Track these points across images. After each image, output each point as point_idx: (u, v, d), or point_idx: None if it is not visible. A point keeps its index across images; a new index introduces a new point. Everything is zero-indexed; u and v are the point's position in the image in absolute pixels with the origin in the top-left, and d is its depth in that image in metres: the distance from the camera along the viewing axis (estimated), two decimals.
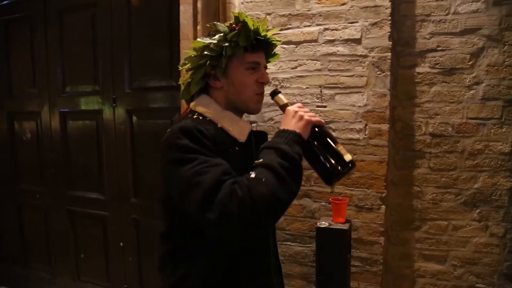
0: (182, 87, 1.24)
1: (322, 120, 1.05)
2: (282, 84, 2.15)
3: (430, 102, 2.00)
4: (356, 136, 2.02)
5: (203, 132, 1.03)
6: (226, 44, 1.12)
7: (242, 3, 2.19)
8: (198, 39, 1.19)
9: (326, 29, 2.04)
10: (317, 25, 2.06)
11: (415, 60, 2.01)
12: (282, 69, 2.14)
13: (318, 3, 2.05)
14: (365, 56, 1.98)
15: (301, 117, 1.03)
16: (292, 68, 2.12)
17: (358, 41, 1.99)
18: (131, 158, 2.73)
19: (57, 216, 3.07)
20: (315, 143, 1.03)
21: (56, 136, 3.00)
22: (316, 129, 1.04)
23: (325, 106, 2.07)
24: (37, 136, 3.12)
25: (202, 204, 0.92)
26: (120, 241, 2.82)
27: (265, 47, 1.19)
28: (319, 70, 2.07)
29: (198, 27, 2.19)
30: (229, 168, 0.99)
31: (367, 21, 1.96)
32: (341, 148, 1.03)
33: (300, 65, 2.11)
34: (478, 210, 1.97)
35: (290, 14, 2.10)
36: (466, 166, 1.97)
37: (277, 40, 1.24)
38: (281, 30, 2.11)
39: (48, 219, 3.15)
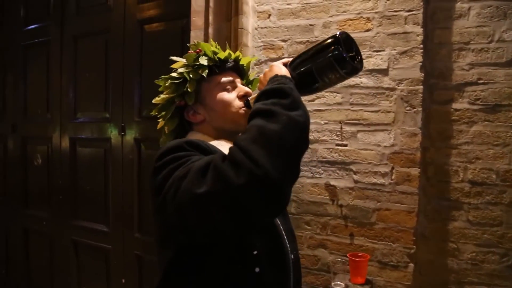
0: (162, 136, 1.17)
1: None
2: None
3: (469, 144, 1.71)
4: (381, 181, 1.75)
5: (199, 144, 0.90)
6: (189, 69, 1.08)
7: (256, 28, 2.00)
8: (163, 76, 1.14)
9: None
10: None
11: (452, 94, 1.74)
12: None
13: (339, 29, 1.82)
14: (393, 89, 1.73)
15: (270, 68, 0.94)
16: (309, 101, 1.90)
17: (384, 72, 1.74)
18: (137, 190, 2.57)
19: (62, 245, 2.94)
20: (299, 67, 0.93)
21: (65, 162, 2.91)
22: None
23: (345, 145, 1.82)
24: (47, 162, 3.05)
25: (194, 182, 0.72)
26: (122, 277, 2.64)
27: (234, 68, 1.13)
28: (339, 103, 1.83)
29: None
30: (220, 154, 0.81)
31: (395, 50, 1.72)
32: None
33: (318, 97, 1.88)
34: None
35: (308, 41, 1.89)
36: None
37: (242, 58, 1.17)
38: None
39: (53, 247, 3.02)
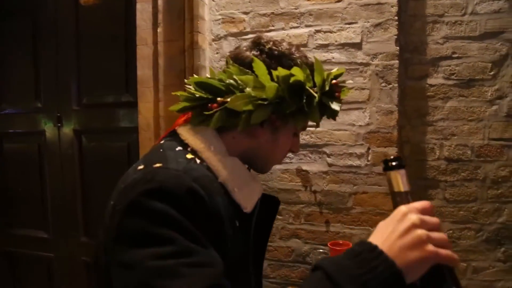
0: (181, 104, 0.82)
1: (456, 257, 0.55)
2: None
3: (445, 120, 1.65)
4: (357, 162, 1.64)
5: (202, 199, 0.64)
6: (314, 101, 0.79)
7: (213, 0, 1.78)
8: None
9: (318, 31, 1.67)
10: (307, 26, 1.68)
11: (427, 69, 1.66)
12: None
13: (308, 0, 1.67)
14: (367, 64, 1.61)
15: (419, 242, 0.52)
16: None
17: (358, 46, 1.62)
18: (80, 189, 2.27)
19: None
20: None
21: None
22: (439, 271, 0.55)
23: (317, 126, 1.68)
24: None
25: None
26: None
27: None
28: None
29: (159, 30, 1.78)
30: (221, 273, 0.59)
31: (368, 22, 1.60)
32: None
33: None
34: (503, 249, 1.63)
35: (272, 13, 1.72)
36: (489, 197, 1.63)
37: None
38: (261, 32, 1.72)
39: None
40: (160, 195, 0.61)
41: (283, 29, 1.71)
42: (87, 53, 2.17)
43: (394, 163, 0.62)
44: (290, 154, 1.70)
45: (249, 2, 1.74)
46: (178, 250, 0.56)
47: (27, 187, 2.40)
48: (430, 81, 1.65)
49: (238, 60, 0.81)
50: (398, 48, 1.58)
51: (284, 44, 0.83)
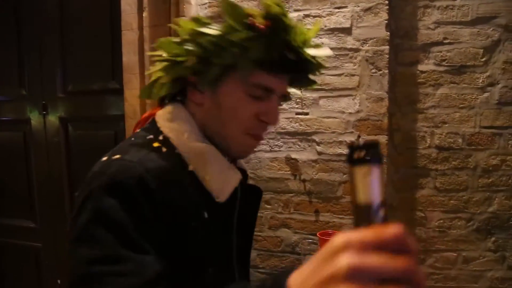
0: (148, 81, 0.82)
1: None
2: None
3: (435, 108, 1.62)
4: (347, 150, 1.60)
5: (151, 191, 0.62)
6: (233, 48, 0.67)
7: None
8: (187, 18, 0.79)
9: (306, 15, 1.62)
10: (296, 10, 1.63)
11: (417, 55, 1.62)
12: None
13: None
14: (357, 50, 1.57)
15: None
16: None
17: (347, 31, 1.58)
18: (67, 177, 2.23)
19: None
20: None
21: None
22: None
23: (306, 114, 1.65)
24: None
25: None
26: (57, 278, 2.31)
27: (296, 68, 0.75)
28: None
29: (144, 14, 1.73)
30: (149, 282, 0.56)
31: (358, 6, 1.56)
32: None
33: None
34: (493, 239, 1.61)
35: None
36: (479, 186, 1.60)
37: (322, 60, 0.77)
38: None
39: None
40: (109, 190, 0.60)
41: None
42: (72, 39, 2.11)
43: (363, 153, 0.38)
44: (278, 142, 1.67)
45: None
46: (107, 255, 0.56)
47: (13, 177, 2.36)
48: (421, 67, 1.62)
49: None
50: (388, 33, 1.53)
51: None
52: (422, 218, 1.66)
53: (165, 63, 0.74)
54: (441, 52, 1.59)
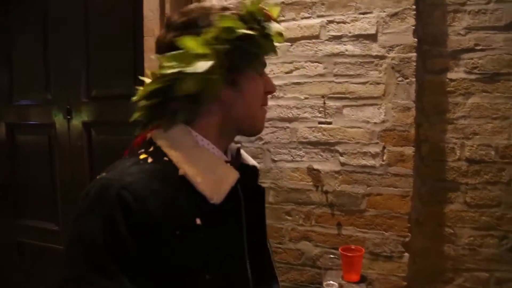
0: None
1: None
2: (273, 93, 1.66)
3: (466, 118, 1.53)
4: (371, 162, 1.54)
5: (127, 207, 0.62)
6: (255, 38, 0.74)
7: None
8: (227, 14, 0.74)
9: (330, 21, 1.57)
10: (319, 16, 1.58)
11: (447, 62, 1.54)
12: (274, 73, 1.66)
13: None
14: (383, 57, 1.51)
15: None
16: (286, 73, 1.65)
17: (373, 38, 1.52)
18: (90, 182, 2.22)
19: (5, 248, 2.58)
20: None
21: (3, 153, 2.51)
22: None
23: (329, 123, 1.60)
24: None
25: None
26: None
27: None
28: (321, 75, 1.60)
29: None
30: None
31: (384, 11, 1.49)
32: None
33: (296, 68, 1.63)
34: None
35: (283, 2, 1.63)
36: None
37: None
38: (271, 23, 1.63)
39: None
40: (90, 211, 0.64)
41: (294, 19, 1.62)
42: (96, 45, 2.14)
43: None
44: (300, 152, 1.62)
45: None
46: (79, 276, 0.60)
47: (37, 179, 2.41)
48: (451, 75, 1.54)
49: (162, 48, 0.76)
50: (416, 39, 1.47)
51: (193, 7, 0.77)
52: (451, 235, 1.58)
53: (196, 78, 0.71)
54: (472, 59, 1.51)
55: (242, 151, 0.89)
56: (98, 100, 2.17)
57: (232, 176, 0.74)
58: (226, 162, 0.77)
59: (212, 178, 0.71)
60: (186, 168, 0.70)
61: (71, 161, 2.27)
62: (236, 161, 0.84)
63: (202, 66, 0.69)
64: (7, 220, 2.53)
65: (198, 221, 0.68)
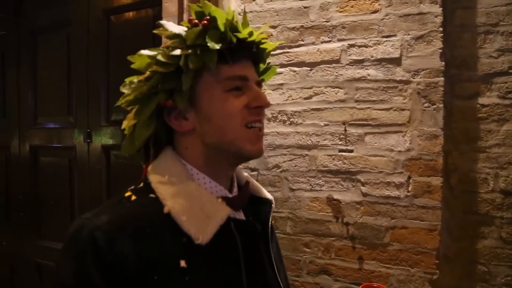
0: (126, 141, 0.77)
1: None
2: (291, 119, 1.61)
3: (500, 146, 1.42)
4: (395, 193, 1.45)
5: (99, 250, 0.60)
6: (188, 51, 0.69)
7: (239, 14, 1.68)
8: (142, 52, 0.74)
9: (351, 45, 1.51)
10: (339, 40, 1.53)
11: (477, 87, 1.45)
12: (292, 99, 1.60)
13: (340, 11, 1.52)
14: (407, 82, 1.43)
15: None
16: (305, 98, 1.59)
17: (396, 62, 1.44)
18: None
19: (25, 268, 2.59)
20: None
21: (26, 175, 2.55)
22: None
23: (351, 151, 1.52)
24: (6, 174, 2.69)
25: None
26: None
27: (252, 54, 0.76)
28: (342, 101, 1.53)
29: None
30: None
31: (409, 34, 1.42)
32: None
33: (316, 94, 1.57)
34: None
35: (302, 26, 1.58)
36: None
37: (268, 42, 0.79)
38: (290, 48, 1.59)
39: (15, 271, 2.66)
40: (63, 254, 0.64)
41: (313, 43, 1.57)
42: (116, 69, 2.15)
43: None
44: (320, 181, 1.55)
45: (277, 15, 1.62)
46: None
47: (57, 201, 2.42)
48: (482, 100, 1.44)
49: None
50: (443, 63, 1.38)
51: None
52: (485, 273, 1.45)
53: (136, 106, 0.74)
54: (506, 83, 1.41)
55: (252, 182, 0.83)
56: (117, 124, 2.16)
57: (221, 213, 0.68)
58: (224, 197, 0.72)
59: (198, 216, 0.66)
60: (172, 205, 0.66)
61: (89, 183, 2.27)
62: (244, 194, 0.78)
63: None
64: (28, 241, 2.54)
65: (183, 263, 0.63)
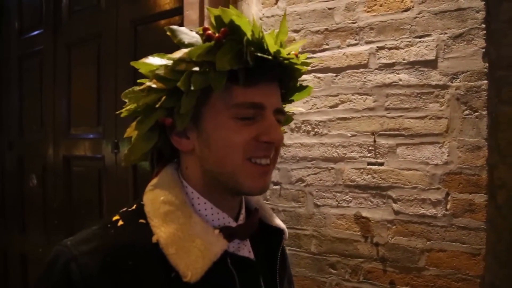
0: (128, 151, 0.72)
1: None
2: (316, 130, 1.49)
3: None
4: (432, 211, 1.29)
5: (71, 285, 0.56)
6: (195, 68, 0.60)
7: (261, 18, 1.60)
8: (146, 59, 0.68)
9: (380, 48, 1.38)
10: (367, 42, 1.40)
11: None
12: (317, 107, 1.49)
13: (368, 11, 1.40)
14: (445, 87, 1.28)
15: None
16: (330, 107, 1.47)
17: (432, 64, 1.30)
18: None
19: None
20: None
21: (60, 183, 2.63)
22: None
23: (381, 164, 1.38)
24: (42, 182, 2.78)
25: None
26: None
27: (276, 74, 0.65)
28: (371, 109, 1.40)
29: None
30: None
31: (445, 33, 1.27)
32: None
33: (342, 101, 1.45)
34: None
35: (326, 29, 1.47)
36: None
37: (301, 62, 0.68)
38: (314, 52, 1.48)
39: None
40: (38, 280, 0.61)
41: (339, 47, 1.45)
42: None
43: None
44: (347, 197, 1.42)
45: (300, 18, 1.52)
46: None
47: (89, 210, 2.46)
48: None
49: None
50: (486, 64, 1.22)
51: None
52: None
53: (139, 116, 0.67)
54: None
55: (263, 207, 0.75)
56: None
57: (215, 248, 0.60)
58: (225, 227, 0.64)
59: (189, 249, 0.58)
60: (161, 233, 0.59)
61: (117, 193, 2.28)
62: (250, 222, 0.69)
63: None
64: None
65: None
